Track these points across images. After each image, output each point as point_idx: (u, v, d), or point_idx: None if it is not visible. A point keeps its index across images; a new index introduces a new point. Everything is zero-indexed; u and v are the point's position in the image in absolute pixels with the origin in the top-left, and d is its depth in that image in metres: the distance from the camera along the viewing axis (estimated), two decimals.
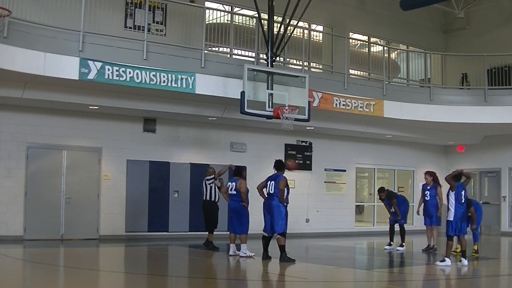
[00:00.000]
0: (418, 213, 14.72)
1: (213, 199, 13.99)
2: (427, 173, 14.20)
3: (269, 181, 11.83)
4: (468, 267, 11.56)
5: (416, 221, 20.96)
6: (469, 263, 11.73)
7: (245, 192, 12.30)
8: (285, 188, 11.79)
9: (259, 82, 14.41)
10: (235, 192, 12.34)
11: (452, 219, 11.55)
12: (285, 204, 11.82)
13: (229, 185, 12.54)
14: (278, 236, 11.65)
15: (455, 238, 11.76)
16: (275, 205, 11.64)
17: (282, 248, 11.60)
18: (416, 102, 17.89)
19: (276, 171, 11.93)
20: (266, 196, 11.88)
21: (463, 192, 11.65)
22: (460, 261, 11.68)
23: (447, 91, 19.05)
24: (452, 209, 11.56)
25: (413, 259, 13.71)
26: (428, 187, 14.07)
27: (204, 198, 14.06)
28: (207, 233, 14.15)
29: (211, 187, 13.99)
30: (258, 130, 18.24)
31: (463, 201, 11.62)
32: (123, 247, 14.63)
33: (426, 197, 14.13)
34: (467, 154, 21.94)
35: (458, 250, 12.12)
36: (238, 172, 12.68)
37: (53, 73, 12.69)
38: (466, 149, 21.88)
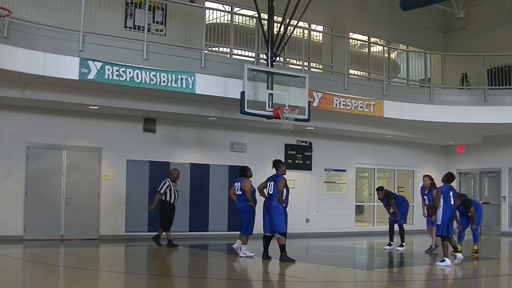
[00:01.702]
0: (424, 215, 14.62)
1: (168, 199, 14.22)
2: (426, 176, 14.20)
3: (269, 182, 11.87)
4: (465, 267, 11.56)
5: (416, 221, 21.02)
6: (465, 263, 11.73)
7: (249, 191, 12.33)
8: (284, 189, 11.79)
9: (259, 82, 14.41)
10: (240, 192, 12.41)
11: (439, 223, 11.59)
12: (284, 205, 11.82)
13: (235, 186, 12.60)
14: (279, 235, 11.67)
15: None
16: (274, 205, 11.66)
17: (282, 247, 11.61)
18: (416, 102, 17.89)
19: (275, 171, 11.97)
20: (267, 196, 11.91)
21: (451, 194, 11.67)
22: (455, 257, 11.69)
23: (447, 91, 19.04)
24: (440, 212, 11.59)
25: (413, 259, 13.71)
26: (426, 191, 14.06)
27: (162, 199, 14.28)
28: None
29: (167, 188, 14.26)
30: (258, 130, 18.24)
31: (452, 203, 11.63)
32: (123, 247, 14.64)
33: (425, 202, 14.14)
34: (467, 154, 21.95)
35: (459, 249, 12.12)
36: (243, 173, 12.73)
37: (53, 73, 12.69)
38: (466, 149, 21.88)
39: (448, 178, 11.93)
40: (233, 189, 12.70)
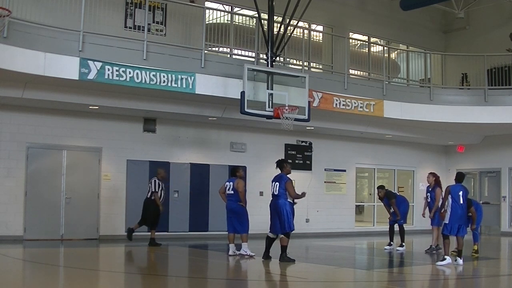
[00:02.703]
0: (423, 215, 14.61)
1: (152, 198, 14.25)
2: (431, 173, 14.21)
3: (274, 182, 11.79)
4: (465, 267, 11.55)
5: (416, 221, 21.01)
6: (465, 263, 11.70)
7: (243, 191, 12.32)
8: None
9: (259, 82, 14.41)
10: (232, 192, 12.36)
11: (447, 222, 11.60)
12: (293, 202, 11.78)
13: (226, 185, 12.56)
14: (282, 236, 11.62)
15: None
16: (282, 203, 11.55)
17: (283, 248, 11.58)
18: (416, 102, 17.89)
19: (280, 171, 11.90)
20: (272, 197, 11.80)
21: (460, 193, 11.66)
22: (456, 260, 11.69)
23: (447, 91, 19.04)
24: (449, 211, 11.60)
25: (413, 259, 13.72)
26: (430, 189, 14.07)
27: (148, 196, 14.32)
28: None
29: (158, 187, 14.27)
30: (258, 130, 18.23)
31: (461, 202, 11.63)
32: (123, 247, 14.63)
33: (428, 200, 14.14)
34: (467, 154, 21.95)
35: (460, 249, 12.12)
36: (234, 173, 12.71)
37: (53, 73, 12.69)
38: (466, 149, 21.89)
39: (457, 177, 11.97)
40: (223, 188, 12.66)
